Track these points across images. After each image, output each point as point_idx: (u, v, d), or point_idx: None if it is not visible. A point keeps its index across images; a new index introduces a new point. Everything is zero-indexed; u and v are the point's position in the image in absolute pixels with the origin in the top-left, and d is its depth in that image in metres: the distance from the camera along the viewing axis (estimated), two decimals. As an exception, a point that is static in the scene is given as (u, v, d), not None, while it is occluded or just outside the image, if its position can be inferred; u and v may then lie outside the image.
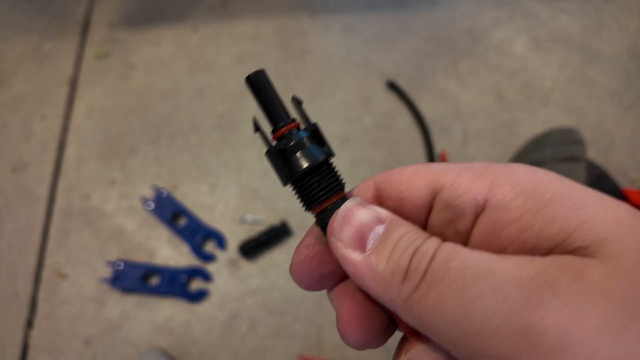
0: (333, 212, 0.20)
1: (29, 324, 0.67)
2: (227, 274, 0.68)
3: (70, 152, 0.77)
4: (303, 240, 0.22)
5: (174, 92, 0.81)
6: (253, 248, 0.68)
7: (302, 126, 0.21)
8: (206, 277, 0.68)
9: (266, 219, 0.71)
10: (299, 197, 0.21)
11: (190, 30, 0.87)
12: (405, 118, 0.78)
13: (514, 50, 0.83)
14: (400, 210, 0.20)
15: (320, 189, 0.20)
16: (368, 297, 0.21)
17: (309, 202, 0.21)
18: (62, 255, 0.70)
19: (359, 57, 0.83)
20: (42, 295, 0.68)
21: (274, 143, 0.21)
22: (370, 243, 0.18)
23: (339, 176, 0.21)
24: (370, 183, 0.22)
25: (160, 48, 0.85)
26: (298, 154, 0.20)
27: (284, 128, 0.21)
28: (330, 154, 0.21)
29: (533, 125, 0.76)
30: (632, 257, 0.15)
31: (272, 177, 0.74)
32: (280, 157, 0.20)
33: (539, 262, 0.15)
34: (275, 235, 0.68)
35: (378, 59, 0.83)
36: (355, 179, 0.74)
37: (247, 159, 0.75)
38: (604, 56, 0.82)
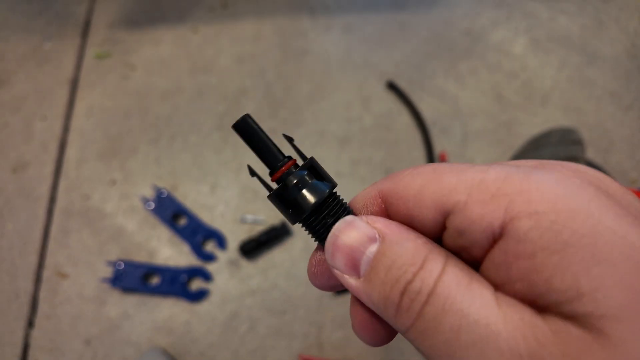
0: None
1: (30, 323, 0.67)
2: (227, 274, 0.69)
3: (71, 152, 0.77)
4: (314, 254, 0.22)
5: (174, 92, 0.81)
6: (253, 248, 0.68)
7: (299, 162, 0.21)
8: (206, 277, 0.68)
9: (266, 219, 0.71)
10: (310, 233, 0.21)
11: (191, 30, 0.87)
12: (405, 118, 0.78)
13: (513, 51, 0.83)
14: (411, 224, 0.19)
15: (330, 222, 0.20)
16: None
17: (320, 235, 0.20)
18: (62, 255, 0.70)
19: (358, 58, 0.83)
20: (42, 295, 0.68)
21: (273, 184, 0.21)
22: (362, 268, 0.17)
23: (345, 204, 0.21)
24: (373, 193, 0.20)
25: (160, 48, 0.85)
26: (303, 192, 0.20)
27: (283, 168, 0.21)
28: (333, 184, 0.21)
29: (532, 126, 0.76)
30: (637, 348, 0.13)
31: (272, 177, 0.74)
32: (285, 199, 0.20)
33: (541, 334, 0.14)
34: (276, 235, 0.69)
35: (378, 59, 0.83)
36: (355, 179, 0.74)
37: (247, 159, 0.76)
38: (603, 56, 0.82)
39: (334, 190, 0.21)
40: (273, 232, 0.69)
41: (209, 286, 0.68)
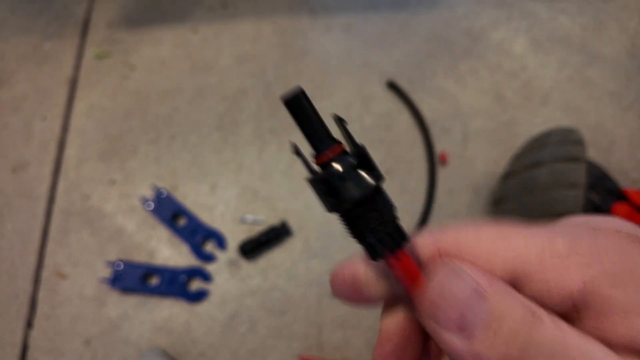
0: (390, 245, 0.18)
1: (29, 324, 0.67)
2: (227, 274, 0.68)
3: (70, 152, 0.77)
4: (357, 265, 0.20)
5: (174, 92, 0.81)
6: (253, 248, 0.68)
7: (347, 149, 0.20)
8: (206, 277, 0.68)
9: (266, 219, 0.71)
10: (346, 227, 0.19)
11: (190, 30, 0.87)
12: (405, 118, 0.78)
13: (513, 51, 0.83)
14: None
15: (373, 219, 0.18)
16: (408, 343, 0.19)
17: (359, 233, 0.19)
18: (62, 256, 0.70)
19: (359, 58, 0.83)
20: (42, 295, 0.68)
21: (316, 168, 0.19)
22: (472, 327, 0.16)
23: (392, 203, 0.19)
24: (432, 247, 0.19)
25: (160, 48, 0.85)
26: (348, 181, 0.18)
27: (329, 152, 0.19)
28: (381, 179, 0.19)
29: (533, 126, 0.76)
30: None
31: (272, 177, 0.74)
32: (327, 186, 0.19)
33: None
34: (276, 235, 0.68)
35: (378, 59, 0.83)
36: (355, 179, 0.74)
37: (247, 159, 0.75)
38: (603, 56, 0.82)
39: (380, 186, 0.19)
40: (273, 232, 0.68)
41: (209, 286, 0.68)
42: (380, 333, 0.20)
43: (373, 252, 0.19)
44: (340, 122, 0.20)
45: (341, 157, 0.19)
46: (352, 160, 0.19)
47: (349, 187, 0.18)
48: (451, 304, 0.16)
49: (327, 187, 0.19)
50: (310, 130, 0.19)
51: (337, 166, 0.18)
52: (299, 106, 0.19)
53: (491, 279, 0.16)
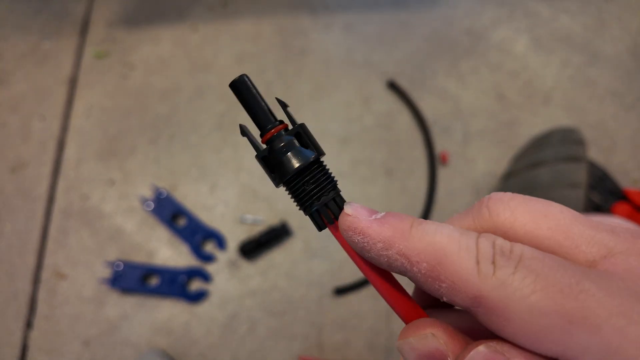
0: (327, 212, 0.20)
1: (28, 324, 0.66)
2: (226, 275, 0.68)
3: (70, 152, 0.77)
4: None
5: (174, 92, 0.81)
6: (253, 248, 0.68)
7: (290, 128, 0.22)
8: (206, 277, 0.67)
9: (266, 219, 0.71)
10: (293, 198, 0.21)
11: (190, 29, 0.86)
12: (405, 118, 0.78)
13: (514, 50, 0.83)
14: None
15: (311, 189, 0.20)
16: None
17: (303, 203, 0.21)
18: (61, 256, 0.70)
19: (359, 57, 0.83)
20: (41, 295, 0.68)
21: (263, 147, 0.21)
22: None
23: (331, 174, 0.21)
24: (469, 224, 0.19)
25: (159, 47, 0.85)
26: (288, 155, 0.20)
27: (272, 130, 0.21)
28: (320, 152, 0.21)
29: (534, 125, 0.76)
30: None
31: (272, 177, 0.74)
32: (271, 160, 0.21)
33: None
34: (275, 235, 0.68)
35: (378, 58, 0.83)
36: (355, 179, 0.73)
37: (246, 159, 0.75)
38: (605, 56, 0.82)
39: (321, 160, 0.21)
40: (273, 232, 0.68)
41: (209, 287, 0.67)
42: None
43: (315, 223, 0.21)
44: (281, 104, 0.22)
45: (282, 134, 0.21)
46: (291, 137, 0.21)
47: (290, 159, 0.20)
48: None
49: (271, 163, 0.21)
50: (255, 111, 0.22)
51: (279, 142, 0.21)
52: (245, 90, 0.22)
53: (452, 335, 0.17)
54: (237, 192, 0.73)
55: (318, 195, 0.20)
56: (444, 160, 0.74)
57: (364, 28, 0.86)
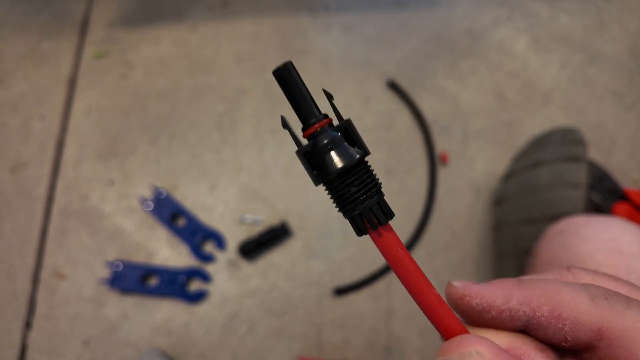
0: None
1: (28, 324, 0.66)
2: (226, 275, 0.68)
3: (69, 152, 0.77)
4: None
5: (173, 92, 0.81)
6: (253, 248, 0.68)
7: (335, 122, 0.20)
8: (205, 277, 0.67)
9: (266, 219, 0.71)
10: (333, 199, 0.20)
11: (190, 29, 0.86)
12: (405, 118, 0.78)
13: (514, 50, 0.83)
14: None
15: (355, 192, 0.19)
16: None
17: (344, 206, 0.19)
18: (60, 256, 0.70)
19: (359, 57, 0.83)
20: (40, 295, 0.68)
21: (304, 141, 0.20)
22: None
23: (375, 176, 0.20)
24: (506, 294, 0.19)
25: (159, 48, 0.85)
26: (333, 153, 0.19)
27: (316, 125, 0.19)
28: (366, 152, 0.20)
29: (533, 125, 0.76)
30: None
31: (271, 177, 0.74)
32: (313, 157, 0.19)
33: None
34: (275, 235, 0.68)
35: (378, 58, 0.83)
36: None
37: (246, 159, 0.75)
38: (604, 56, 0.82)
39: (365, 160, 0.20)
40: (272, 232, 0.68)
41: (208, 287, 0.67)
42: None
43: (356, 227, 0.20)
44: (328, 96, 0.20)
45: (327, 129, 0.19)
46: (336, 134, 0.19)
47: (333, 158, 0.19)
48: None
49: (312, 159, 0.19)
50: (299, 103, 0.20)
51: (323, 138, 0.19)
52: (289, 78, 0.20)
53: None
54: (237, 192, 0.73)
55: (362, 199, 0.19)
56: (444, 160, 0.74)
57: (363, 28, 0.86)
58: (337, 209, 0.20)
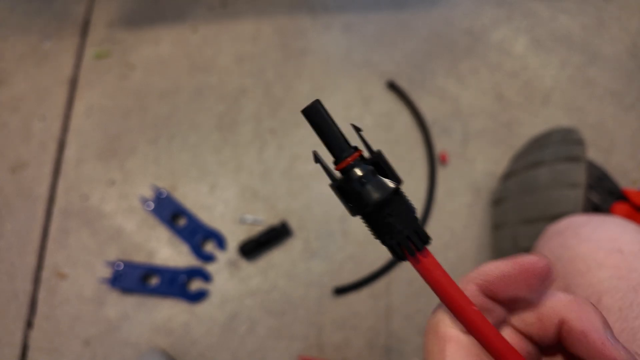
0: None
1: (29, 324, 0.67)
2: (226, 275, 0.68)
3: (70, 152, 0.77)
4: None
5: (174, 92, 0.81)
6: (253, 248, 0.68)
7: (364, 154, 0.21)
8: (206, 277, 0.68)
9: (266, 219, 0.71)
10: (370, 228, 0.20)
11: (190, 30, 0.87)
12: (405, 118, 0.78)
13: (514, 50, 0.83)
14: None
15: (394, 221, 0.20)
16: None
17: (381, 235, 0.20)
18: (61, 256, 0.70)
19: (358, 57, 0.83)
20: (41, 295, 0.68)
21: (337, 174, 0.20)
22: None
23: (410, 204, 0.21)
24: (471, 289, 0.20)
25: (159, 48, 0.85)
26: (368, 186, 0.19)
27: (349, 158, 0.20)
28: (399, 182, 0.20)
29: (533, 125, 0.76)
30: None
31: (272, 177, 0.74)
32: (347, 190, 0.20)
33: None
34: (275, 235, 0.68)
35: (378, 58, 0.83)
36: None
37: (246, 159, 0.75)
38: (604, 56, 0.82)
39: (399, 188, 0.20)
40: (273, 232, 0.68)
41: (209, 287, 0.68)
42: None
43: (395, 254, 0.20)
44: (356, 130, 0.21)
45: (359, 162, 0.20)
46: (370, 165, 0.20)
47: (369, 191, 0.19)
48: None
49: (348, 192, 0.20)
50: (329, 139, 0.21)
51: (357, 171, 0.20)
52: (318, 117, 0.21)
53: None
54: (237, 192, 0.73)
55: (399, 228, 0.20)
56: (443, 160, 0.74)
57: (363, 28, 0.86)
58: (374, 236, 0.20)
